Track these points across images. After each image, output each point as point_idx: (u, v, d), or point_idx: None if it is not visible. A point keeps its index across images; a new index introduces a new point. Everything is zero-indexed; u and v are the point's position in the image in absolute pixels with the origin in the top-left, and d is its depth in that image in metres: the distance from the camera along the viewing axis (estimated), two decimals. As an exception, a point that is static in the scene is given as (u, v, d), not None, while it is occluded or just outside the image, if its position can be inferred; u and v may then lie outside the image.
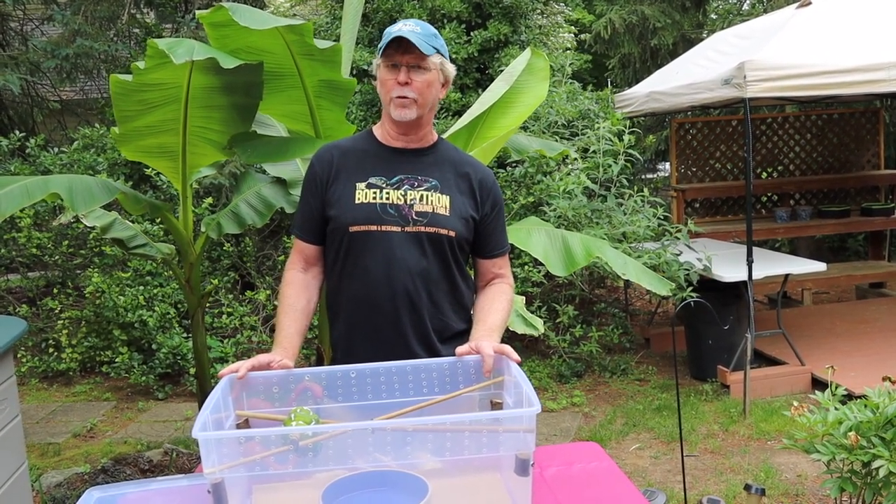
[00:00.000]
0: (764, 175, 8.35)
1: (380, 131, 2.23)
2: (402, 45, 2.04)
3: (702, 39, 8.72)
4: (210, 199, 6.13)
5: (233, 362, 5.97)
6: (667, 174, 11.74)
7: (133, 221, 5.56)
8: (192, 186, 3.73)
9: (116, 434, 5.20)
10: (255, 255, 6.66)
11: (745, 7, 12.10)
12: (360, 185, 2.14)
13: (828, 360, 5.47)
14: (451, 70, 2.18)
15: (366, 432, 1.63)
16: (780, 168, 8.30)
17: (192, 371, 5.62)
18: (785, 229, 7.47)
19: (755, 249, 5.35)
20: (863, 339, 6.15)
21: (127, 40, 8.81)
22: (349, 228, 2.12)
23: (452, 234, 2.15)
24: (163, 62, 2.71)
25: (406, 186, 2.14)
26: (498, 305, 2.18)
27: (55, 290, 6.30)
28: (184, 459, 4.29)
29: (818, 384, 5.33)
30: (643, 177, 11.03)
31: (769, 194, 8.25)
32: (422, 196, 2.14)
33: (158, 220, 5.98)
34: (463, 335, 2.21)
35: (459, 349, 1.95)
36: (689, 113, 7.95)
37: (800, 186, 8.19)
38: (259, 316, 6.37)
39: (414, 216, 2.12)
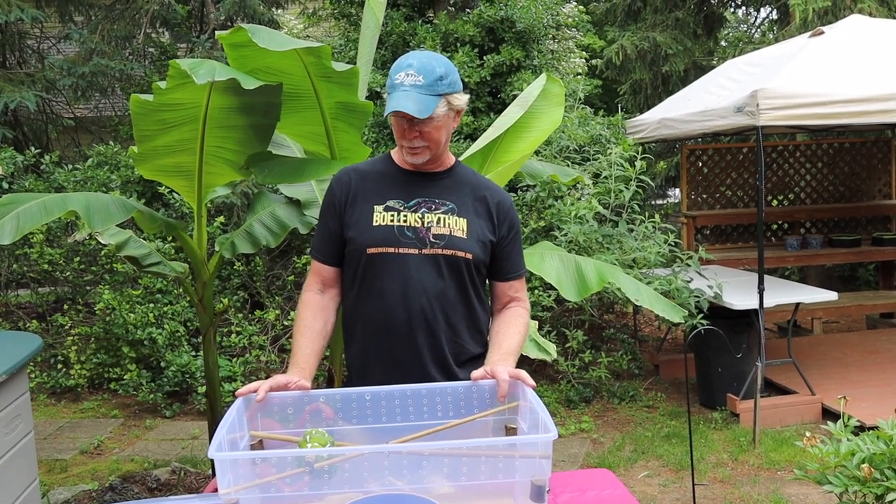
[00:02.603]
0: (775, 203, 8.35)
1: (398, 155, 2.24)
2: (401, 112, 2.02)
3: (713, 67, 8.75)
4: (222, 218, 6.16)
5: (241, 381, 5.99)
6: (676, 200, 11.76)
7: (145, 239, 5.59)
8: (206, 206, 3.74)
9: (123, 451, 5.19)
10: (265, 275, 6.68)
11: (756, 35, 12.16)
12: (378, 208, 2.15)
13: (838, 390, 5.43)
14: (462, 100, 2.15)
15: (381, 455, 1.63)
16: (790, 196, 8.30)
17: (201, 389, 5.62)
18: (795, 258, 7.45)
19: (766, 277, 5.34)
20: (874, 369, 6.11)
21: (142, 59, 8.89)
22: (367, 250, 2.13)
23: (469, 256, 2.15)
24: (184, 82, 2.73)
25: (423, 209, 2.15)
26: (514, 329, 2.18)
27: (65, 307, 6.31)
28: (192, 478, 4.28)
29: (828, 414, 5.29)
30: (653, 203, 11.04)
31: (780, 222, 8.24)
32: (439, 219, 2.15)
33: (170, 239, 6.00)
34: (479, 359, 2.20)
35: (475, 373, 1.95)
36: (700, 140, 7.97)
37: (811, 215, 8.18)
38: (268, 335, 6.36)
39: (431, 239, 2.13)
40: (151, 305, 6.02)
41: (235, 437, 1.77)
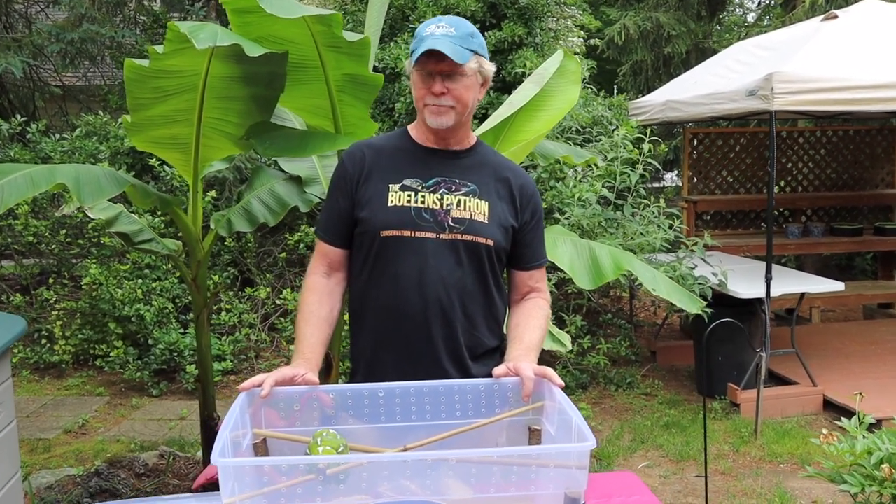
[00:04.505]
0: (776, 189, 8.23)
1: (416, 131, 2.08)
2: (435, 55, 1.90)
3: (713, 49, 8.61)
4: (213, 193, 5.98)
5: (231, 360, 5.81)
6: (672, 184, 11.64)
7: (135, 213, 5.40)
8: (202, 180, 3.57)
9: (109, 431, 5.04)
10: (255, 252, 6.51)
11: (751, 18, 12.03)
12: (394, 187, 1.99)
13: (840, 381, 5.38)
14: (490, 69, 2.03)
15: (402, 463, 1.49)
16: (793, 183, 8.19)
17: (189, 368, 5.47)
18: (797, 245, 7.36)
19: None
20: (874, 360, 6.03)
21: (133, 27, 8.66)
22: (380, 232, 1.98)
23: (491, 243, 2.00)
24: (182, 47, 2.55)
25: (443, 190, 2.00)
26: (535, 322, 2.04)
27: (50, 280, 6.13)
28: (181, 463, 4.13)
29: (829, 405, 5.22)
30: (649, 186, 10.91)
31: (781, 209, 8.13)
32: (459, 201, 1.99)
33: (160, 214, 5.82)
34: (494, 353, 2.08)
35: (497, 370, 1.81)
36: (699, 123, 7.84)
37: (812, 202, 8.08)
38: (258, 314, 6.22)
39: (450, 222, 1.98)
40: (140, 281, 5.85)
41: (238, 434, 1.62)
